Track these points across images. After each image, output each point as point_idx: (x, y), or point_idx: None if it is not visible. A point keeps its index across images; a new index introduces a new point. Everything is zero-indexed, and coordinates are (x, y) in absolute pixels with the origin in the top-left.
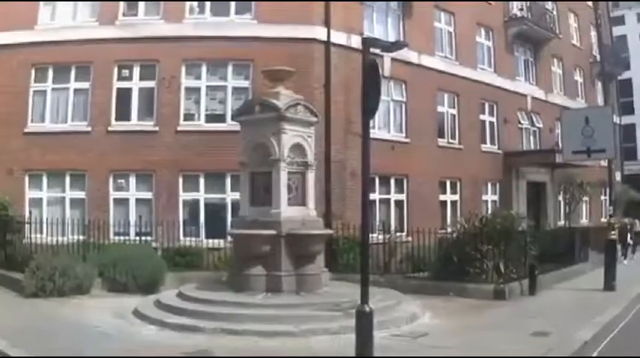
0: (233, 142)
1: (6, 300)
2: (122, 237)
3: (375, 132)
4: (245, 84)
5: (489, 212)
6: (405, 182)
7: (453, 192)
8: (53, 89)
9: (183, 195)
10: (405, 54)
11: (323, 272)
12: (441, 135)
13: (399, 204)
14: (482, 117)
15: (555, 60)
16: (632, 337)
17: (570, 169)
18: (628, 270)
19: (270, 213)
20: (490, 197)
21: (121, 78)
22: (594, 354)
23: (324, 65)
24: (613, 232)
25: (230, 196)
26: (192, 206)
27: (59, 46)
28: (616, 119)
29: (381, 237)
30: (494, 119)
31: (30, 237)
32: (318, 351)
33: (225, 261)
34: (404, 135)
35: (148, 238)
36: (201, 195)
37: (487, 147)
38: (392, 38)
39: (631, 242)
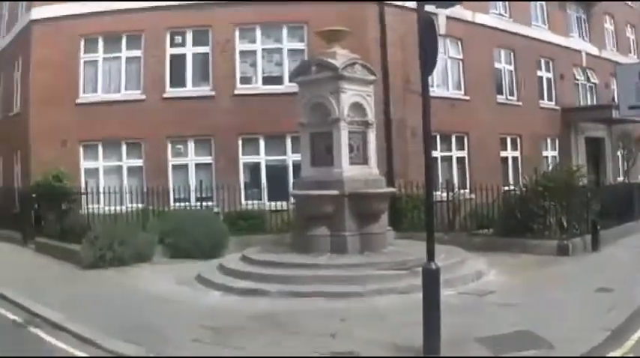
0: (291, 104)
1: (64, 272)
2: (182, 203)
3: (434, 90)
4: (300, 46)
5: (550, 168)
6: (465, 139)
7: (514, 148)
8: (104, 59)
9: (243, 158)
10: (460, 12)
11: (387, 231)
12: (500, 91)
13: (460, 161)
14: (538, 73)
15: (607, 17)
16: None
17: (628, 124)
18: None
19: (332, 172)
20: (550, 153)
21: (173, 44)
22: None
23: (378, 25)
24: None
25: (291, 158)
26: (253, 169)
27: (108, 16)
28: None
29: (444, 194)
30: (550, 75)
31: (87, 208)
32: (384, 311)
33: (288, 223)
34: (463, 92)
35: (209, 203)
36: (262, 158)
37: (545, 103)
38: None
39: None
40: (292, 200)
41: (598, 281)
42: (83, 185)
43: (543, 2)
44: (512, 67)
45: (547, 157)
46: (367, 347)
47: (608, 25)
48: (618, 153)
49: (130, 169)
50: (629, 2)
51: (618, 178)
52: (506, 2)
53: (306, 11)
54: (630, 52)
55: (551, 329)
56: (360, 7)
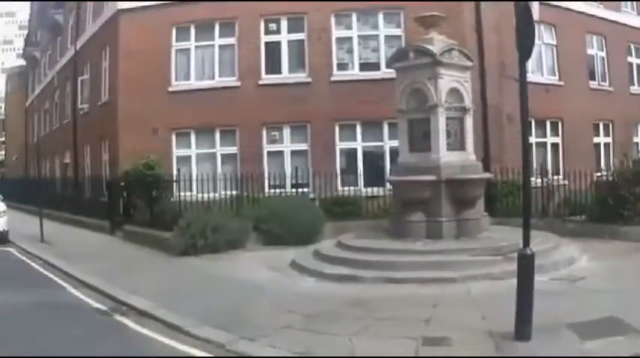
0: (388, 90)
1: (154, 260)
2: (277, 190)
3: (529, 76)
4: (397, 32)
5: None
6: (560, 125)
7: (606, 134)
8: (197, 47)
9: (340, 145)
10: None
11: (483, 216)
12: (592, 77)
13: (554, 147)
14: (629, 59)
15: None
16: None
17: None
18: None
19: (429, 158)
20: None
21: (268, 32)
22: None
23: (474, 10)
24: None
25: (388, 144)
26: (349, 155)
27: (200, 4)
28: None
29: (538, 180)
30: None
31: (178, 195)
32: (478, 297)
33: (384, 209)
34: (557, 78)
35: (305, 189)
36: (359, 144)
37: (635, 88)
38: None
39: None
40: (389, 186)
41: None
42: (175, 172)
43: None
44: (604, 54)
45: (638, 143)
46: (459, 333)
47: None
48: None
49: (224, 156)
50: None
51: None
52: None
53: None
54: None
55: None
56: None
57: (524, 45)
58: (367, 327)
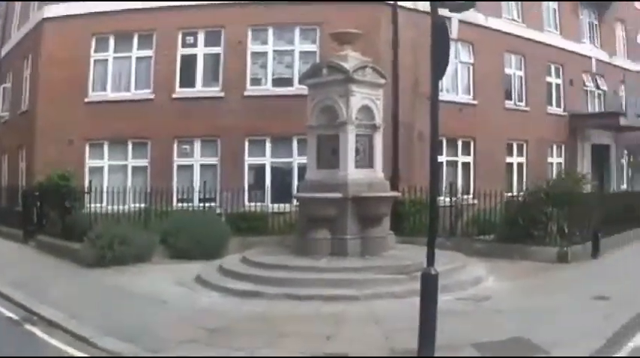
0: (300, 106)
1: (64, 270)
2: (186, 204)
3: (442, 95)
4: (312, 48)
5: (555, 174)
6: (472, 144)
7: (519, 154)
8: (115, 58)
9: (249, 160)
10: (473, 16)
11: (389, 235)
12: (508, 97)
13: (465, 166)
14: (548, 79)
15: (619, 23)
16: None
17: (635, 132)
18: None
19: (336, 175)
20: (555, 159)
21: (185, 45)
22: None
23: (391, 28)
24: None
25: (297, 160)
26: (258, 170)
27: (120, 15)
28: None
29: (447, 199)
30: (560, 81)
31: (89, 207)
32: (381, 315)
33: (290, 225)
34: (471, 97)
35: (212, 204)
36: (268, 160)
37: (553, 109)
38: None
39: None
40: (295, 202)
41: (596, 288)
42: (87, 183)
43: (556, 7)
44: (522, 73)
45: (552, 164)
46: (361, 350)
47: (620, 32)
48: (623, 160)
49: (135, 169)
50: None
51: (622, 186)
52: (519, 7)
53: (319, 13)
54: None
55: (547, 335)
56: (373, 10)
57: (438, 63)
58: (270, 343)
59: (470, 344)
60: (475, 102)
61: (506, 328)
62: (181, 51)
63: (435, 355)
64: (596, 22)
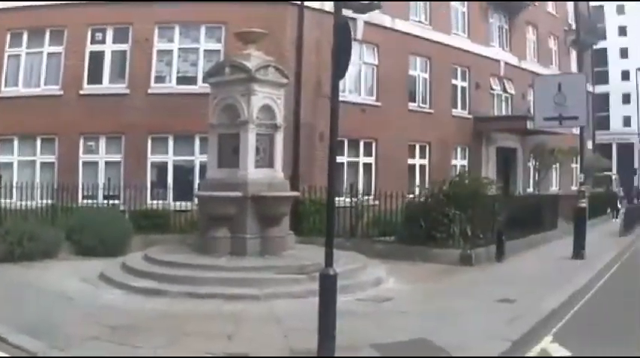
0: (203, 104)
1: None
2: (91, 201)
3: (345, 96)
4: (217, 46)
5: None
6: (374, 145)
7: (422, 156)
8: (27, 53)
9: (152, 158)
10: (379, 18)
11: (288, 234)
12: (412, 99)
13: (367, 167)
14: (453, 81)
15: (530, 27)
16: (600, 307)
17: (542, 136)
18: (600, 240)
19: (236, 174)
20: (459, 162)
21: (94, 41)
22: (561, 323)
23: (296, 28)
24: (583, 200)
25: (198, 158)
26: (161, 168)
27: (34, 10)
28: (589, 88)
29: (348, 200)
30: (465, 84)
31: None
32: (281, 315)
33: (191, 224)
34: (374, 98)
35: (116, 201)
36: (170, 157)
37: (457, 111)
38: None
39: (619, 206)
40: (197, 200)
41: (500, 291)
42: None
43: (465, 10)
44: (426, 75)
45: (456, 166)
46: (262, 349)
47: (531, 36)
48: (529, 164)
49: (44, 165)
50: (554, 13)
51: (528, 189)
52: (427, 10)
53: (224, 12)
54: (552, 64)
55: (451, 338)
56: (279, 10)
57: (339, 63)
58: (171, 341)
59: (370, 344)
60: (378, 103)
61: (408, 329)
62: (90, 47)
63: (335, 355)
64: (506, 26)
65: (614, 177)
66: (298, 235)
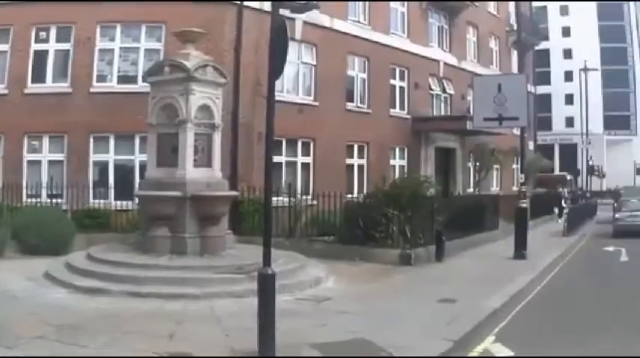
0: (144, 104)
1: None
2: (34, 200)
3: (283, 95)
4: (157, 46)
5: (397, 177)
6: (312, 145)
7: (360, 156)
8: None
9: (94, 157)
10: (317, 17)
11: (227, 234)
12: (350, 99)
13: (305, 167)
14: (392, 82)
15: (470, 27)
16: (543, 307)
17: (482, 136)
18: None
19: (175, 174)
20: (398, 162)
21: (38, 40)
22: (503, 323)
23: (236, 28)
24: (524, 200)
25: (138, 158)
26: (102, 167)
27: None
28: (531, 88)
29: (286, 200)
30: (404, 84)
31: None
32: (221, 314)
33: (133, 223)
34: (312, 98)
35: (59, 200)
36: (111, 157)
37: (396, 112)
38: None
39: (564, 206)
40: (137, 200)
41: (441, 291)
42: None
43: (405, 10)
44: (365, 75)
45: (395, 166)
46: (203, 349)
47: (471, 36)
48: (469, 164)
49: None
50: (495, 13)
51: (468, 189)
52: (367, 10)
53: (165, 11)
54: (492, 64)
55: (391, 337)
56: (219, 9)
57: (276, 63)
58: (115, 340)
59: (311, 344)
60: (316, 103)
61: (349, 329)
62: (34, 46)
63: (276, 355)
64: (446, 26)
65: (569, 177)
66: (238, 235)
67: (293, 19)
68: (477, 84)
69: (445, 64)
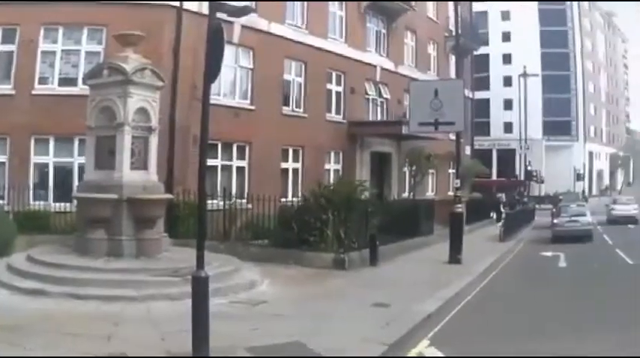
0: (84, 106)
1: None
2: None
3: (219, 99)
4: (98, 48)
5: (332, 181)
6: (247, 149)
7: (295, 160)
8: None
9: (35, 159)
10: (256, 21)
11: (163, 237)
12: (287, 103)
13: (240, 170)
14: (329, 86)
15: (409, 32)
16: (478, 312)
17: (417, 141)
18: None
19: (112, 176)
20: (333, 166)
21: None
22: (438, 327)
23: (174, 31)
24: (459, 205)
25: (77, 160)
26: (42, 170)
27: None
28: (468, 93)
29: (221, 203)
30: (340, 89)
31: None
32: (157, 316)
33: (72, 225)
34: (249, 102)
35: (0, 202)
36: (51, 159)
37: (332, 116)
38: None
39: (502, 211)
40: (76, 202)
41: (375, 295)
42: None
43: (343, 15)
44: (302, 80)
45: (330, 170)
46: (140, 351)
47: (409, 41)
48: (405, 169)
49: None
50: (434, 18)
51: (404, 194)
52: (305, 14)
53: (106, 14)
54: (430, 69)
55: (325, 341)
56: (159, 13)
57: (211, 67)
58: (54, 341)
59: (245, 347)
60: (252, 107)
61: (283, 332)
62: None
63: (210, 357)
64: (384, 31)
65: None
66: (173, 238)
67: (232, 23)
68: (413, 89)
69: (382, 68)
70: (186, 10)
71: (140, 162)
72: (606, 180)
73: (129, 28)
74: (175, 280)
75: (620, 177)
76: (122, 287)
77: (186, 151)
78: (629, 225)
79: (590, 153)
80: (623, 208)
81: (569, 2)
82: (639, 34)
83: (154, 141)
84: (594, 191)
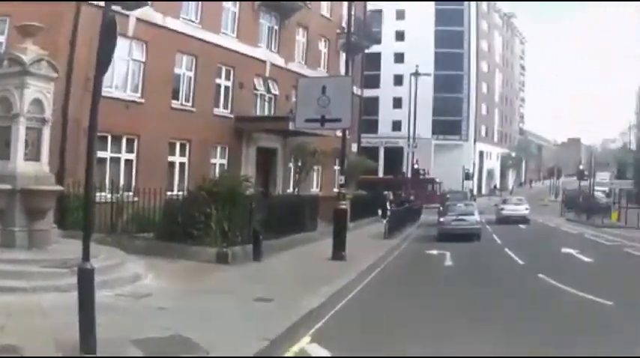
0: None
1: None
2: None
3: (111, 92)
4: (1, 39)
5: (217, 175)
6: (136, 142)
7: (182, 154)
8: None
9: None
10: (151, 15)
11: (53, 228)
12: (176, 96)
13: (128, 163)
14: (217, 80)
15: (300, 29)
16: (361, 309)
17: (304, 137)
18: (363, 242)
19: (6, 167)
20: (219, 160)
21: None
22: (320, 324)
23: (72, 23)
24: (343, 202)
25: None
26: None
27: None
28: (357, 91)
29: (109, 196)
30: (229, 83)
31: None
32: (47, 308)
33: None
34: (139, 95)
35: None
36: None
37: (219, 110)
38: None
39: (388, 208)
40: None
41: (257, 290)
42: None
43: (237, 10)
44: (192, 74)
45: (215, 165)
46: (30, 342)
47: (300, 37)
48: (290, 164)
49: None
50: (328, 15)
51: (289, 190)
52: (199, 9)
53: (10, 5)
54: (320, 66)
55: (207, 335)
56: (60, 4)
57: (103, 59)
58: None
59: (130, 340)
60: (142, 100)
61: (166, 326)
62: None
63: (97, 350)
64: (276, 27)
65: (437, 180)
66: (62, 229)
67: (127, 16)
68: (301, 85)
69: (272, 64)
70: (85, 2)
71: (33, 153)
72: (497, 180)
73: (32, 19)
74: (64, 271)
75: (511, 177)
76: (13, 278)
77: (78, 143)
78: (520, 225)
79: (481, 153)
80: (514, 208)
81: (466, 3)
82: (540, 36)
83: (47, 132)
84: (484, 190)
